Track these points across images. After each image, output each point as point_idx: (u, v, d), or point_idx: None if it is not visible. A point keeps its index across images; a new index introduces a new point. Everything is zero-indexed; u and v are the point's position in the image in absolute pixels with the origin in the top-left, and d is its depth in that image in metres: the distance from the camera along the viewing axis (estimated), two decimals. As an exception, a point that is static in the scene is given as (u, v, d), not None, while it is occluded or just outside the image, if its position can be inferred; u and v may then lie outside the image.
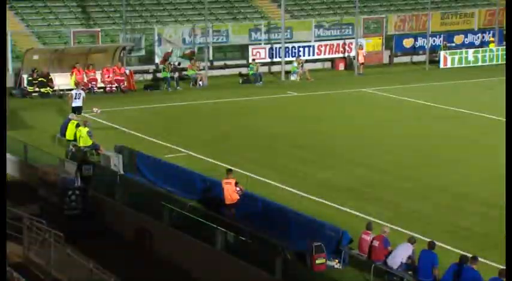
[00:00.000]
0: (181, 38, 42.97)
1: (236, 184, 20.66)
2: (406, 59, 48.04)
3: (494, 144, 28.75)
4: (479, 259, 16.60)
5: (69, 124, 27.36)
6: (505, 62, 46.54)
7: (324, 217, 20.18)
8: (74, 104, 30.62)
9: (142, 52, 42.89)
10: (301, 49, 44.84)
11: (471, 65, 46.33)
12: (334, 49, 45.88)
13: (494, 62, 46.83)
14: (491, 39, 48.31)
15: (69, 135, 27.23)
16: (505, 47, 47.74)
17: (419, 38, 47.39)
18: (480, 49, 47.40)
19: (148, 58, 42.99)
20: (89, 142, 26.28)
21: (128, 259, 18.67)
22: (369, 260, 17.66)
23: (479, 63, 46.59)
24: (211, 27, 43.25)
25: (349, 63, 45.75)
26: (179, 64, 42.14)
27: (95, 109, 33.34)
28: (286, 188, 23.68)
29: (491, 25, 49.31)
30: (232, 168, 22.13)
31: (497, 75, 42.78)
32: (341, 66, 45.78)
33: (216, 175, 22.74)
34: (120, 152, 25.14)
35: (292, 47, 44.48)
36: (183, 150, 27.82)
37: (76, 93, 31.00)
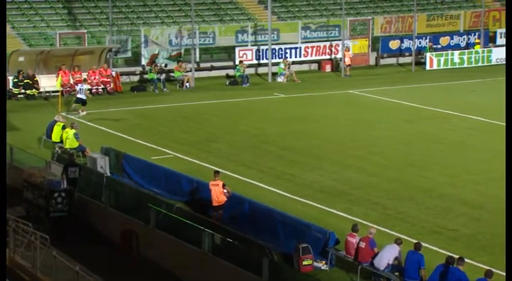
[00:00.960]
0: (168, 40, 42.89)
1: (223, 185, 20.65)
2: (392, 60, 48.16)
3: (480, 145, 28.91)
4: (466, 260, 16.65)
5: (55, 126, 27.25)
6: (490, 64, 46.99)
7: (311, 218, 20.19)
8: (78, 96, 33.53)
9: (129, 54, 42.78)
10: (287, 51, 44.88)
11: (457, 66, 46.50)
12: (320, 51, 45.93)
13: (480, 64, 47.04)
14: (477, 41, 48.52)
15: (55, 137, 27.12)
16: (490, 48, 48.09)
17: (405, 40, 47.53)
18: (466, 51, 47.59)
19: (135, 60, 42.90)
20: (75, 144, 26.18)
21: (114, 261, 18.60)
22: (356, 261, 17.68)
23: (465, 65, 46.77)
24: (197, 29, 43.21)
25: (335, 65, 45.81)
26: (166, 66, 42.08)
27: (80, 111, 33.32)
28: (274, 189, 23.67)
29: (477, 27, 49.53)
30: (220, 170, 22.12)
31: (482, 77, 43.02)
32: (327, 68, 45.84)
33: (203, 177, 22.69)
34: (107, 154, 25.06)
35: (278, 49, 44.51)
36: (169, 152, 27.76)
37: (80, 89, 33.48)
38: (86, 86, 34.41)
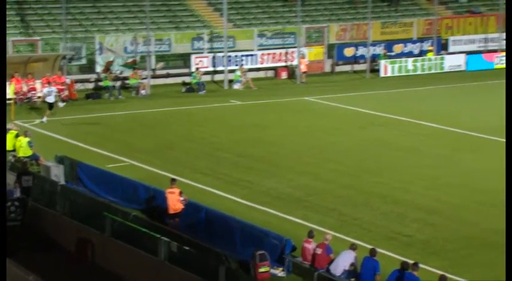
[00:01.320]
0: (123, 47, 42.65)
1: (180, 193, 20.60)
2: (347, 67, 48.57)
3: (433, 151, 29.31)
4: (420, 265, 16.86)
5: (8, 134, 26.84)
6: (443, 71, 47.76)
7: (269, 225, 20.24)
8: (48, 101, 33.39)
9: (83, 61, 42.43)
10: (244, 58, 44.99)
11: (410, 73, 47.12)
12: (276, 58, 46.16)
13: (433, 71, 47.76)
14: (430, 48, 49.24)
15: (8, 145, 26.70)
16: (442, 56, 48.88)
17: (360, 47, 47.97)
18: (419, 58, 48.27)
19: (89, 67, 42.54)
20: (29, 152, 25.84)
21: (69, 271, 18.40)
22: (312, 267, 17.78)
23: (419, 72, 47.43)
24: (153, 36, 43.05)
25: (291, 72, 46.04)
26: (121, 73, 41.82)
27: (45, 116, 33.07)
28: (231, 197, 23.68)
29: (430, 34, 50.28)
30: (176, 177, 22.05)
31: (435, 84, 43.68)
32: (283, 75, 46.04)
33: (160, 185, 22.58)
34: (61, 162, 24.78)
35: (235, 56, 44.61)
36: (125, 159, 27.58)
37: (48, 91, 33.62)
38: (54, 89, 34.13)
